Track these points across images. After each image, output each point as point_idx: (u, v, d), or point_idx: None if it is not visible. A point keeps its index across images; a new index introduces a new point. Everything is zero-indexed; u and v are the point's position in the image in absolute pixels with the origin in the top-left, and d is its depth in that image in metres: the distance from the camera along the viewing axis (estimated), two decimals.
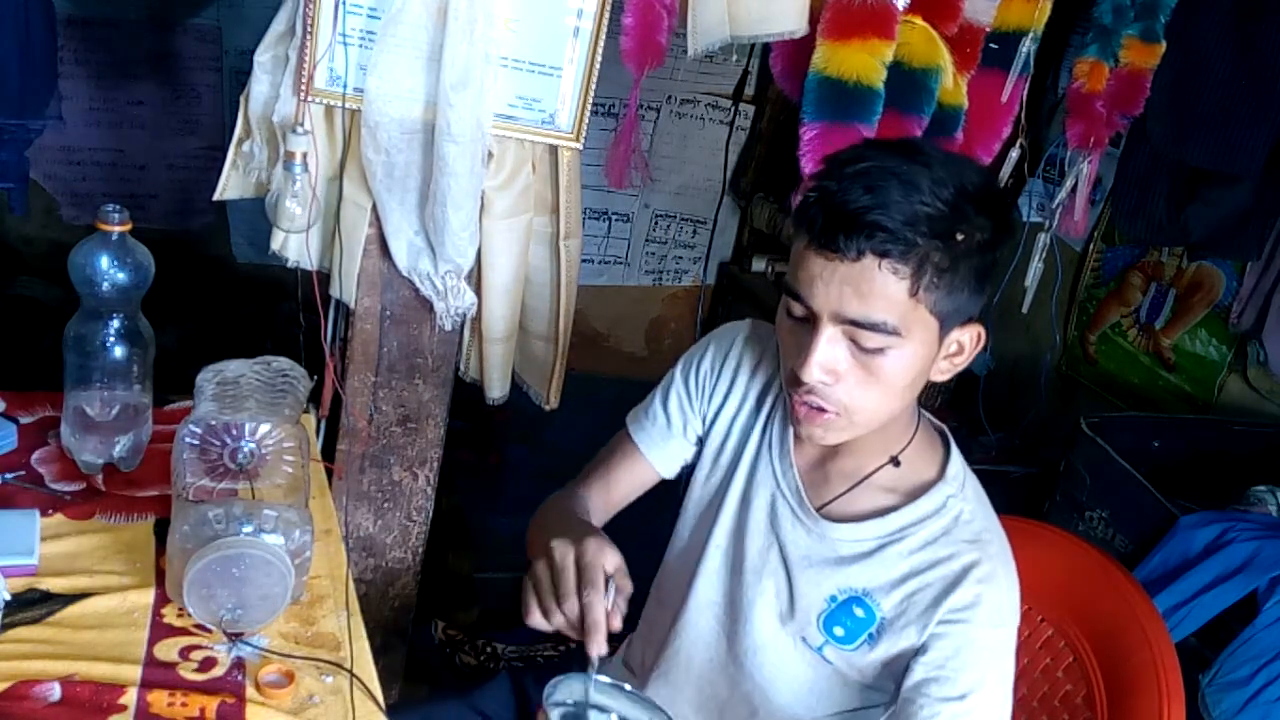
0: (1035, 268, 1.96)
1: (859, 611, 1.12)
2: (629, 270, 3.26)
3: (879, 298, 0.98)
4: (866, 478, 1.15)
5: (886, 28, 1.49)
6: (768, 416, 1.23)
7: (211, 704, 1.05)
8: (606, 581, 0.98)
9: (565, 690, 1.00)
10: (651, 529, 1.40)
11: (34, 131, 2.20)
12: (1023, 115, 1.72)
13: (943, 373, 1.08)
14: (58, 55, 2.23)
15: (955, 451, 1.17)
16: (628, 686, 1.02)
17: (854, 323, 1.00)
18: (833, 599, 1.13)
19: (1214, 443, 2.26)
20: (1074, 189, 1.88)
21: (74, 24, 2.68)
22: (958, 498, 1.12)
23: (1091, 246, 2.79)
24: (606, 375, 3.15)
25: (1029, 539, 1.39)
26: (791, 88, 1.59)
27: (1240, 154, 2.10)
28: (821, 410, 1.06)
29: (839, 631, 1.13)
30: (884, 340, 1.00)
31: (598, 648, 0.96)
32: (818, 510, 1.16)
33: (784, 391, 1.11)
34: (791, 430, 1.18)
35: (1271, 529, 1.86)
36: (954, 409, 2.97)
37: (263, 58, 1.50)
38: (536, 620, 1.00)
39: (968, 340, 1.07)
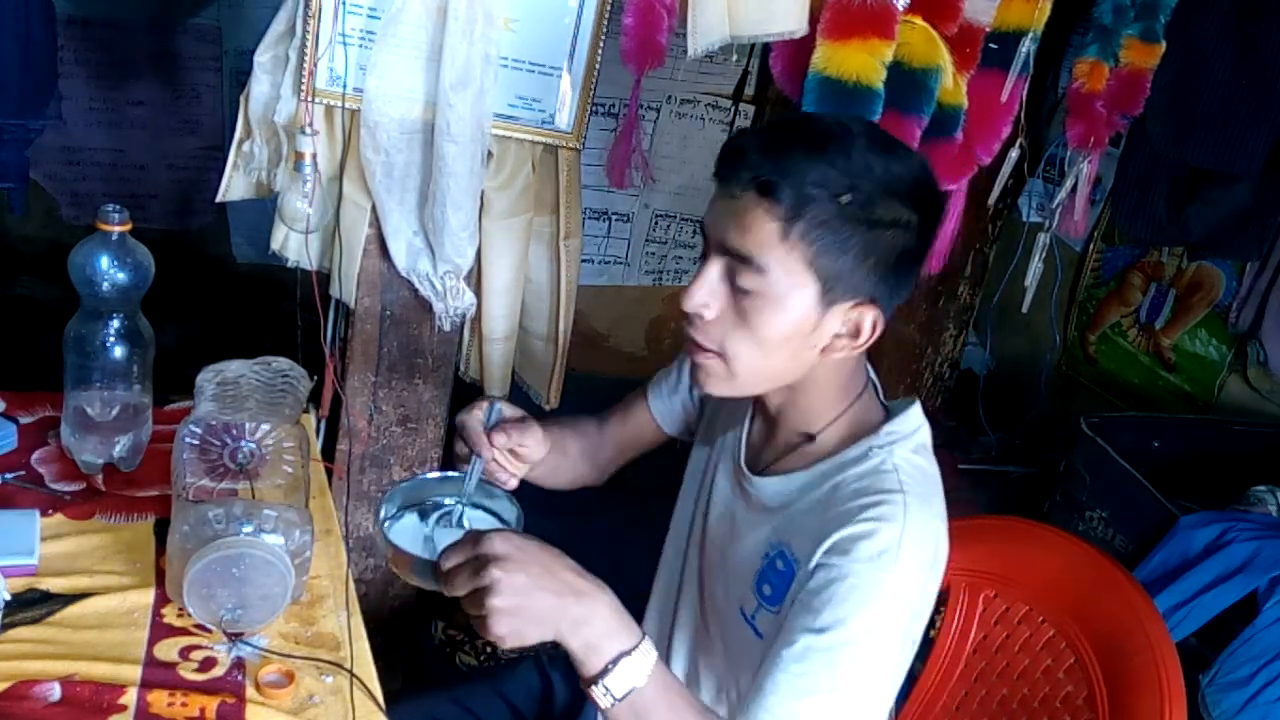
0: (1035, 268, 1.96)
1: (780, 565, 1.10)
2: (629, 270, 3.26)
3: (753, 232, 1.00)
4: (794, 447, 1.14)
5: (886, 28, 1.49)
6: None
7: (211, 704, 1.05)
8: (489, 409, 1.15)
9: (401, 498, 1.10)
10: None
11: (34, 131, 2.20)
12: (1022, 115, 1.71)
13: (838, 351, 1.07)
14: (58, 55, 2.23)
15: (907, 422, 1.13)
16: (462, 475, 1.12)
17: (730, 253, 1.02)
18: (765, 555, 1.12)
19: (1214, 443, 2.26)
20: (1074, 189, 1.88)
21: (74, 24, 2.68)
22: (883, 449, 1.08)
23: (1091, 246, 2.79)
24: (606, 375, 3.14)
25: (1029, 539, 1.39)
26: (791, 88, 1.58)
27: (1240, 154, 2.10)
28: (701, 349, 1.07)
29: (767, 590, 1.11)
30: (755, 280, 1.01)
31: (486, 451, 1.14)
32: (756, 475, 1.18)
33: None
34: (751, 402, 1.21)
35: (1271, 529, 1.86)
36: (954, 409, 2.97)
37: (263, 58, 1.50)
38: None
39: (866, 323, 1.05)
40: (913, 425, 1.12)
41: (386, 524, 1.06)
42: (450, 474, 1.14)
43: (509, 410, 1.22)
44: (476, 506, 1.13)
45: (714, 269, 1.04)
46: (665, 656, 1.31)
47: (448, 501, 1.12)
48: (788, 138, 1.01)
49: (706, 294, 1.05)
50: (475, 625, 0.90)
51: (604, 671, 0.89)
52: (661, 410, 1.37)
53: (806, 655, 0.97)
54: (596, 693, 0.90)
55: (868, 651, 0.98)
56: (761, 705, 0.98)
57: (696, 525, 1.27)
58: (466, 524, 1.10)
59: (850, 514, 1.03)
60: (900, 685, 1.15)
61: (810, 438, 1.13)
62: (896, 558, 1.00)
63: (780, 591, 1.08)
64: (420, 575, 0.97)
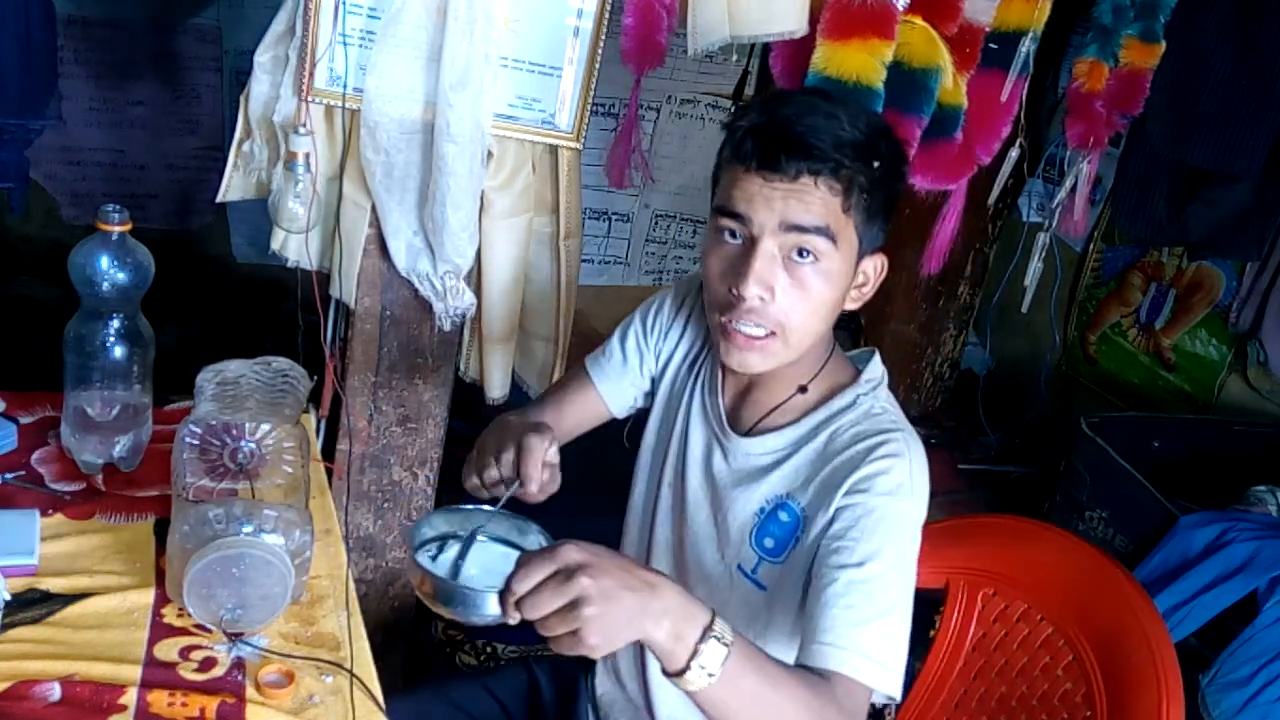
0: (1035, 267, 1.96)
1: (784, 516, 1.16)
2: (629, 270, 3.26)
3: (819, 207, 1.08)
4: (781, 404, 1.20)
5: (886, 28, 1.49)
6: (705, 357, 1.30)
7: (211, 704, 1.05)
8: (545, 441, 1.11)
9: (431, 528, 1.04)
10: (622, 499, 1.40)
11: (34, 131, 2.20)
12: (1022, 115, 1.71)
13: (854, 301, 1.16)
14: (58, 55, 2.23)
15: (875, 370, 1.22)
16: (495, 509, 1.07)
17: (799, 228, 1.08)
18: (761, 511, 1.18)
19: (1214, 443, 2.26)
20: (1074, 189, 1.88)
21: (74, 24, 2.68)
22: (868, 396, 1.18)
23: (1091, 246, 2.79)
24: None
25: (1029, 539, 1.39)
26: (791, 87, 1.58)
27: (1240, 154, 2.10)
28: (755, 337, 1.12)
29: (769, 543, 1.17)
30: (823, 245, 1.08)
31: (534, 484, 1.08)
32: (739, 435, 1.22)
33: (716, 323, 1.16)
34: (720, 366, 1.25)
35: (1271, 529, 1.86)
36: (954, 409, 2.97)
37: (263, 58, 1.50)
38: (471, 481, 1.14)
39: (872, 270, 1.16)
40: (880, 372, 1.22)
41: (422, 559, 0.98)
42: (464, 508, 1.07)
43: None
44: (500, 541, 1.06)
45: (768, 251, 1.09)
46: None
47: (480, 538, 1.05)
48: (815, 118, 1.08)
49: (767, 278, 1.10)
50: (558, 643, 0.87)
51: (694, 655, 0.89)
52: (609, 391, 1.39)
53: (851, 590, 1.04)
54: (691, 677, 0.89)
55: (901, 573, 1.07)
56: (821, 642, 1.02)
57: (665, 499, 1.29)
58: (491, 551, 1.04)
59: (859, 455, 1.11)
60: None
61: (803, 389, 1.19)
62: (912, 488, 1.10)
63: (783, 543, 1.15)
64: (472, 608, 0.92)
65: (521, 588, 0.88)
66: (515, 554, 0.99)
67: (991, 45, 1.63)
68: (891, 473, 1.09)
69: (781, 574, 1.16)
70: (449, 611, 0.95)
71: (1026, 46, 1.63)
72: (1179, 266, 2.57)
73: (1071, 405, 2.78)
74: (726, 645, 0.90)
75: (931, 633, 1.41)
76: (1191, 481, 2.13)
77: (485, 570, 0.99)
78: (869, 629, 1.02)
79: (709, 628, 0.90)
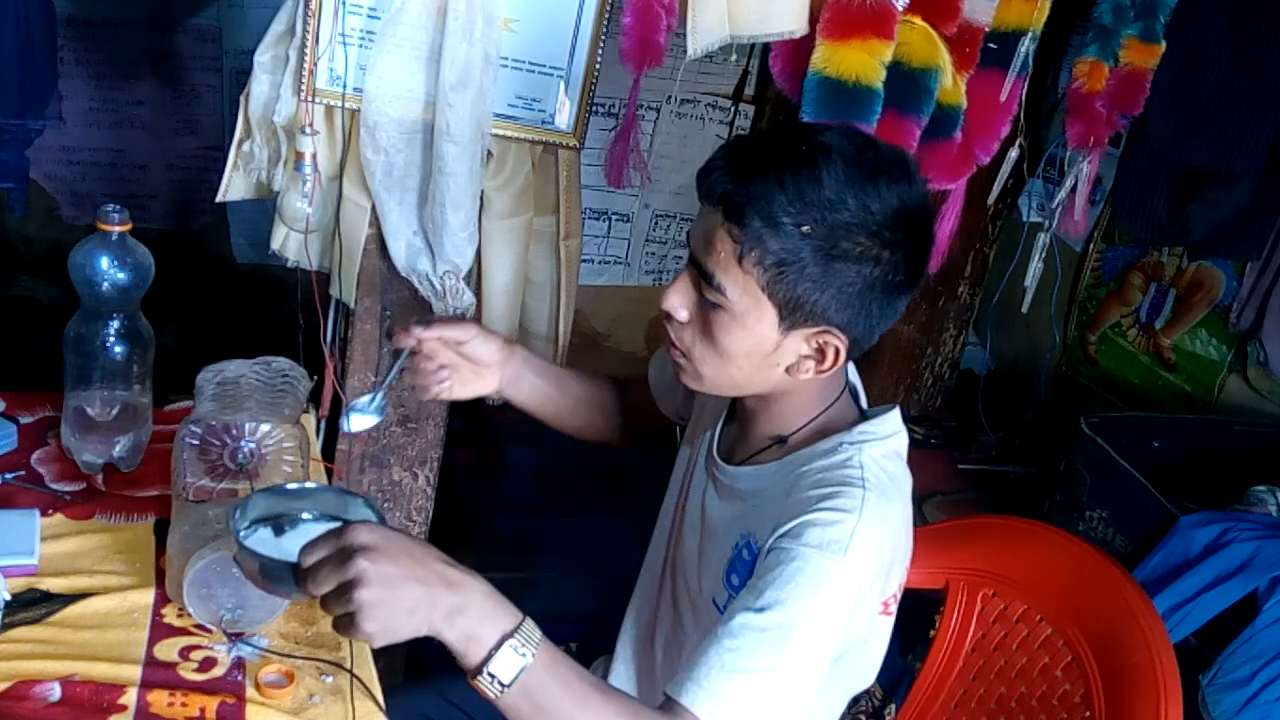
0: (1035, 267, 1.96)
1: (746, 555, 1.10)
2: (629, 270, 3.26)
3: (715, 251, 1.01)
4: (764, 449, 1.14)
5: (886, 27, 1.49)
6: None
7: (211, 704, 1.05)
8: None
9: (256, 508, 1.04)
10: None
11: (34, 131, 2.20)
12: (1022, 115, 1.71)
13: (804, 372, 1.07)
14: (58, 55, 2.23)
15: (883, 426, 1.12)
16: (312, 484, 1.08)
17: (698, 267, 1.04)
18: (735, 546, 1.12)
19: (1214, 443, 2.25)
20: (1074, 189, 1.88)
21: (74, 24, 2.68)
22: (853, 446, 1.08)
23: (1091, 246, 2.79)
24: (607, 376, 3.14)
25: (1028, 538, 1.39)
26: (791, 88, 1.58)
27: (1240, 154, 2.10)
28: (674, 346, 1.10)
29: (735, 580, 1.11)
30: (715, 297, 1.03)
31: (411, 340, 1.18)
32: (729, 465, 1.18)
33: None
34: (729, 399, 1.21)
35: (1271, 529, 1.86)
36: (954, 409, 2.97)
37: (263, 58, 1.50)
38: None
39: (831, 351, 1.05)
40: (889, 430, 1.12)
41: (240, 534, 0.99)
42: (308, 485, 1.09)
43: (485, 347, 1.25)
44: (333, 519, 1.06)
45: (687, 276, 1.06)
46: (648, 650, 1.31)
47: (305, 516, 1.06)
48: (763, 158, 1.00)
49: (680, 299, 1.07)
50: (340, 626, 0.85)
51: (488, 658, 0.85)
52: (657, 384, 1.39)
53: (742, 632, 0.96)
54: (483, 683, 0.85)
55: (803, 635, 0.97)
56: (691, 677, 0.95)
57: (676, 520, 1.27)
58: (316, 529, 1.04)
59: (809, 502, 1.03)
60: (856, 685, 1.16)
61: (782, 440, 1.13)
62: (846, 548, 0.99)
63: (744, 581, 1.07)
64: (278, 581, 0.92)
65: (305, 561, 0.86)
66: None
67: (991, 45, 1.63)
68: (830, 527, 1.00)
69: None
70: (269, 588, 0.94)
71: (1026, 46, 1.63)
72: (1179, 266, 2.57)
73: (1071, 405, 2.77)
74: (525, 655, 0.85)
75: (931, 633, 1.41)
76: (1191, 481, 2.12)
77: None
78: (740, 680, 0.94)
79: (511, 633, 0.86)
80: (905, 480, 1.11)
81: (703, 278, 1.03)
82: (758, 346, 1.04)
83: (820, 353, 1.05)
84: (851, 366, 1.18)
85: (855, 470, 1.05)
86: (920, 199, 1.03)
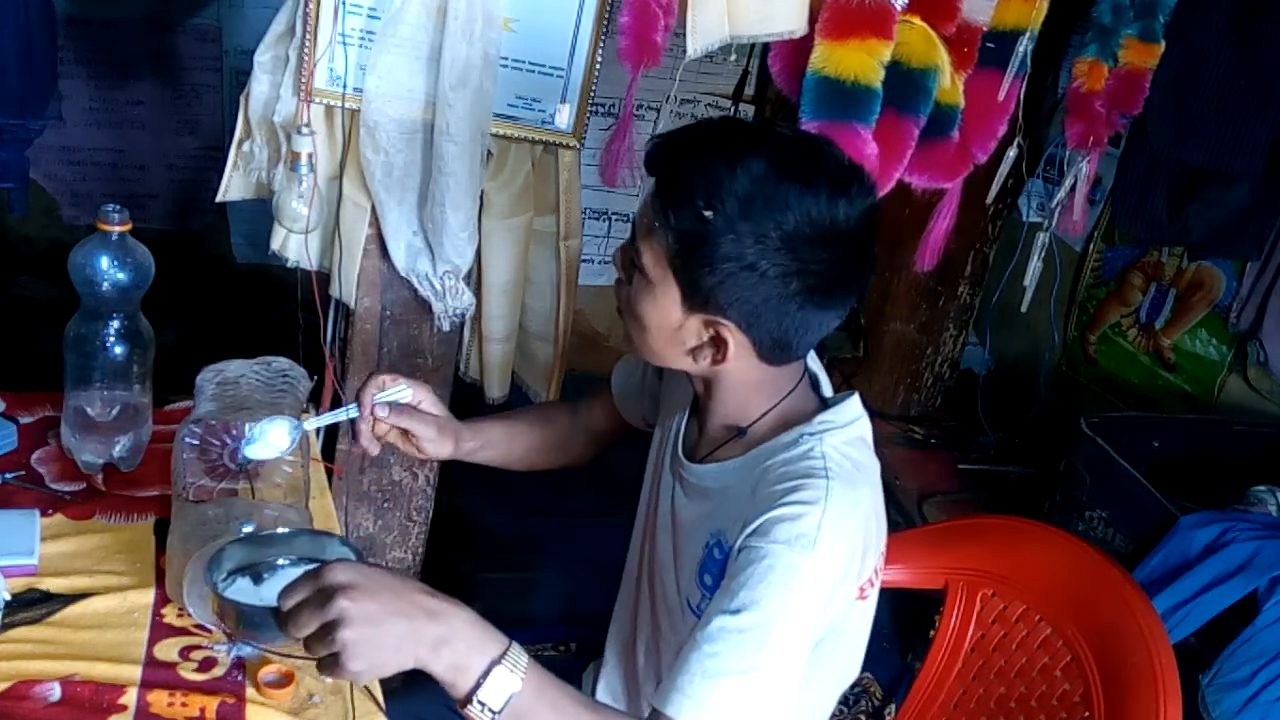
0: (1034, 267, 1.96)
1: (717, 554, 1.09)
2: None
3: (643, 220, 1.05)
4: (725, 441, 1.14)
5: (884, 28, 1.49)
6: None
7: (211, 704, 1.05)
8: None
9: (231, 559, 1.04)
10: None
11: (34, 131, 2.20)
12: (1020, 114, 1.71)
13: (704, 359, 1.07)
14: (58, 55, 2.23)
15: (844, 413, 1.11)
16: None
17: (632, 228, 1.08)
18: (706, 545, 1.12)
19: (1214, 443, 2.25)
20: (1073, 188, 1.88)
21: (74, 24, 2.68)
22: (814, 437, 1.07)
23: (1091, 246, 2.79)
24: (606, 375, 3.14)
25: (1028, 539, 1.39)
26: (789, 87, 1.59)
27: (1240, 153, 2.10)
28: (618, 309, 1.13)
29: (708, 580, 1.11)
30: (637, 261, 1.06)
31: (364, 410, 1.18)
32: (693, 463, 1.18)
33: None
34: (695, 396, 1.21)
35: (1271, 529, 1.86)
36: (954, 409, 2.97)
37: (263, 58, 1.50)
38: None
39: (725, 344, 1.05)
40: (849, 416, 1.11)
41: (218, 586, 0.98)
42: (279, 531, 1.09)
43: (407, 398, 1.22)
44: (310, 561, 1.05)
45: (630, 237, 1.09)
46: (630, 654, 1.32)
47: (282, 562, 1.06)
48: (702, 140, 1.02)
49: (621, 258, 1.11)
50: (324, 667, 0.84)
51: (476, 686, 0.84)
52: (622, 390, 1.39)
53: (720, 636, 0.96)
54: (473, 711, 0.85)
55: (781, 633, 0.97)
56: (674, 685, 0.95)
57: (648, 524, 1.27)
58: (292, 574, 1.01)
59: (773, 498, 1.02)
60: (841, 674, 1.16)
61: (741, 431, 1.13)
62: (814, 541, 0.99)
63: (717, 580, 1.07)
64: (260, 628, 0.91)
65: (285, 604, 0.85)
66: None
67: (989, 45, 1.63)
68: (796, 521, 0.99)
69: None
70: (253, 637, 0.94)
71: (1024, 46, 1.63)
72: (1179, 266, 2.57)
73: (1071, 405, 2.77)
74: (514, 681, 0.85)
75: (930, 633, 1.41)
76: (1191, 481, 2.12)
77: None
78: (723, 684, 0.94)
79: (498, 660, 0.85)
80: (871, 465, 1.10)
81: (630, 240, 1.08)
82: (665, 320, 1.06)
83: (715, 343, 1.06)
84: (813, 355, 1.17)
85: (818, 461, 1.05)
86: (852, 217, 1.00)
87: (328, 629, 0.82)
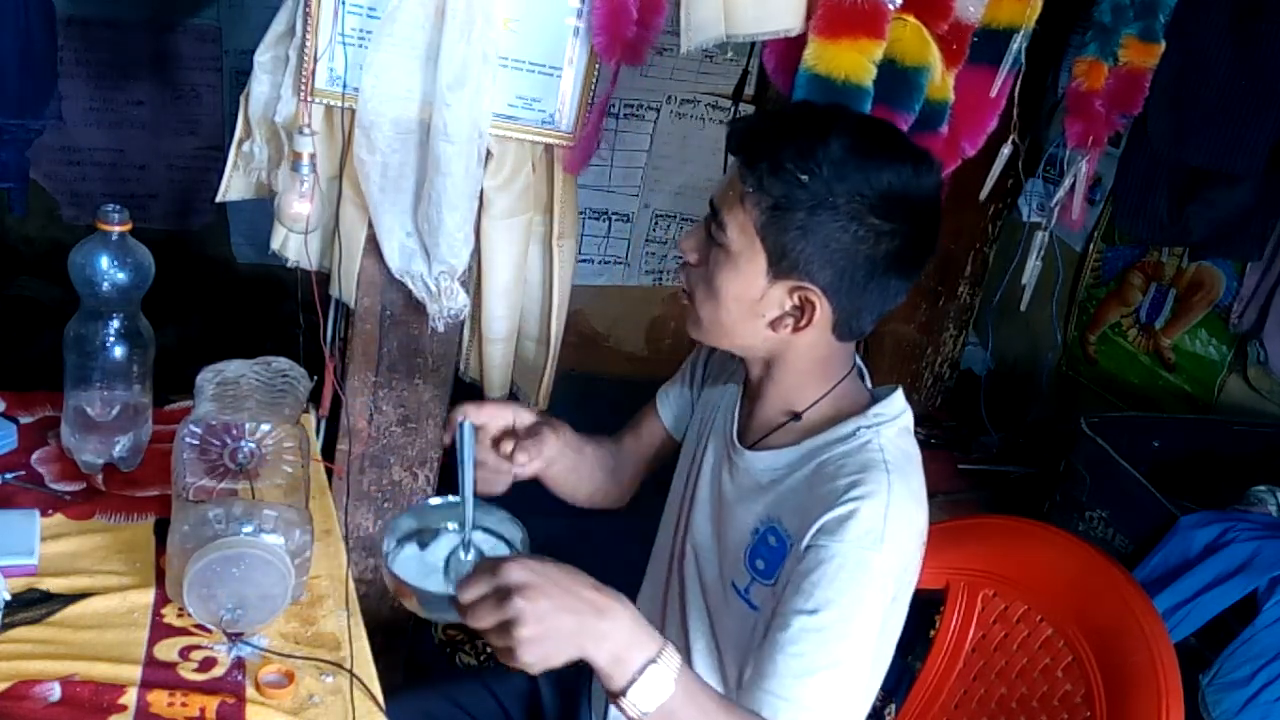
0: (1033, 265, 1.96)
1: (773, 540, 1.13)
2: (629, 270, 3.26)
3: (726, 193, 1.10)
4: (779, 426, 1.18)
5: (877, 27, 1.49)
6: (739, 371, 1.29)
7: (211, 704, 1.05)
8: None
9: (400, 530, 1.07)
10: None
11: (34, 131, 2.20)
12: (1014, 111, 1.71)
13: (784, 328, 1.11)
14: (58, 55, 2.23)
15: (892, 406, 1.16)
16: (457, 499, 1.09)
17: (711, 208, 1.12)
18: (755, 531, 1.16)
19: (1214, 443, 2.26)
20: (1072, 187, 1.88)
21: (74, 24, 2.68)
22: (870, 429, 1.12)
23: (1091, 246, 2.79)
24: (606, 375, 3.14)
25: (1028, 539, 1.39)
26: (783, 81, 1.59)
27: (1240, 153, 2.10)
28: (682, 290, 1.16)
29: (760, 565, 1.15)
30: (718, 235, 1.10)
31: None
32: (746, 448, 1.21)
33: None
34: (744, 383, 1.25)
35: (1271, 529, 1.86)
36: (954, 409, 2.97)
37: (263, 58, 1.50)
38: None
39: (809, 309, 1.09)
40: (897, 409, 1.16)
41: (389, 558, 1.02)
42: (450, 498, 1.10)
43: (526, 417, 1.25)
44: (478, 528, 1.09)
45: (703, 223, 1.13)
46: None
47: (450, 527, 1.09)
48: (787, 118, 1.10)
49: (692, 243, 1.14)
50: (500, 655, 0.90)
51: (631, 682, 0.90)
52: (669, 416, 1.40)
53: (802, 636, 1.01)
54: (626, 704, 0.90)
55: (859, 627, 1.02)
56: (763, 688, 1.01)
57: (684, 510, 1.29)
58: (466, 554, 1.06)
59: (836, 493, 1.07)
60: (890, 653, 1.18)
61: (796, 415, 1.17)
62: (882, 536, 1.04)
63: (774, 566, 1.12)
64: (434, 609, 0.97)
65: (464, 599, 0.91)
66: (495, 547, 1.06)
67: (980, 41, 1.63)
68: (861, 517, 1.04)
69: (772, 596, 1.13)
70: (427, 614, 0.98)
71: (1018, 42, 1.63)
72: (1179, 266, 2.57)
73: (1072, 405, 2.77)
74: (671, 679, 0.91)
75: (931, 633, 1.41)
76: (1191, 481, 2.12)
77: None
78: (813, 681, 1.00)
79: (654, 659, 0.90)
80: (917, 454, 1.16)
81: (712, 217, 1.11)
82: (746, 290, 1.10)
83: (800, 310, 1.10)
84: (853, 349, 1.20)
85: (876, 454, 1.10)
86: (925, 190, 1.08)
87: (505, 625, 0.89)
